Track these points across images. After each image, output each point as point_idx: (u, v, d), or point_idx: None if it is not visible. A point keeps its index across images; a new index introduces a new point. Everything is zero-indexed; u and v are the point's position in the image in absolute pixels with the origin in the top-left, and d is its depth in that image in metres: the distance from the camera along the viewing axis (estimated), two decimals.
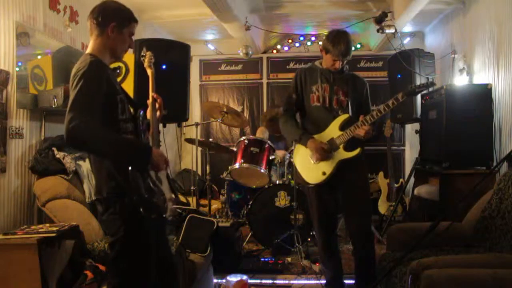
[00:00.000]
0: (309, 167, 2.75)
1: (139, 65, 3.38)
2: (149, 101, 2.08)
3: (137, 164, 1.80)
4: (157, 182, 1.92)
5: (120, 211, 1.82)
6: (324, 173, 2.69)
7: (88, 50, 1.90)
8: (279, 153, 4.44)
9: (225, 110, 4.46)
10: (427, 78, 4.57)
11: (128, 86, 3.49)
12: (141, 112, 1.99)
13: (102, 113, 1.74)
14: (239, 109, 6.39)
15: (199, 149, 5.52)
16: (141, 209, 1.79)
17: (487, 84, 3.70)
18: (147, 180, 1.86)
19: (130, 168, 1.75)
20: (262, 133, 5.11)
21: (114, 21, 1.87)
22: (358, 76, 2.87)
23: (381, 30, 4.68)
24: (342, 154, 2.66)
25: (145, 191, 1.83)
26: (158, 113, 2.10)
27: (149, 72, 2.15)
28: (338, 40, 2.63)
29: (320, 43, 2.79)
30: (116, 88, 1.87)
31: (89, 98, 1.70)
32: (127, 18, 1.92)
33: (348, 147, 2.67)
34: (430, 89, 3.78)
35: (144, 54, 2.17)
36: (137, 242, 1.85)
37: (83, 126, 1.64)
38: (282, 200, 4.16)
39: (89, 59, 1.79)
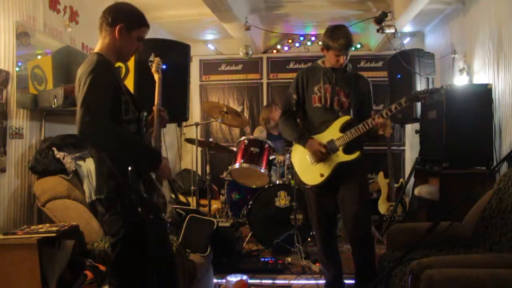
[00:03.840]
0: (307, 168, 2.74)
1: (139, 66, 3.37)
2: (155, 107, 2.09)
3: (147, 168, 1.86)
4: (157, 183, 1.94)
5: (121, 211, 1.84)
6: (322, 175, 2.67)
7: (96, 49, 1.94)
8: (280, 158, 4.43)
9: (225, 110, 4.46)
10: (427, 79, 4.58)
11: (128, 86, 3.48)
12: (145, 114, 2.01)
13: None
14: (239, 109, 6.39)
15: (199, 149, 5.52)
16: (139, 209, 1.80)
17: (487, 84, 3.70)
18: (147, 181, 1.87)
19: (130, 169, 1.76)
20: (259, 132, 5.11)
21: (123, 22, 1.89)
22: (362, 76, 2.84)
23: (381, 30, 4.68)
24: (341, 156, 2.65)
25: (144, 191, 1.84)
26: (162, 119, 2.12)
27: (156, 77, 2.17)
28: (337, 34, 2.61)
29: (320, 43, 2.78)
30: (121, 89, 1.90)
31: (99, 93, 1.74)
32: (137, 21, 1.95)
33: (348, 149, 2.65)
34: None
35: (152, 60, 2.20)
36: (136, 243, 1.86)
37: (97, 121, 1.68)
38: (282, 200, 4.16)
39: (95, 58, 1.83)
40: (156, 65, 2.18)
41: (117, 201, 1.84)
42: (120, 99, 1.86)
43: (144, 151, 1.88)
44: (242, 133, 6.35)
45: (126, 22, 1.90)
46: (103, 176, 1.87)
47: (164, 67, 3.45)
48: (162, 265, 2.02)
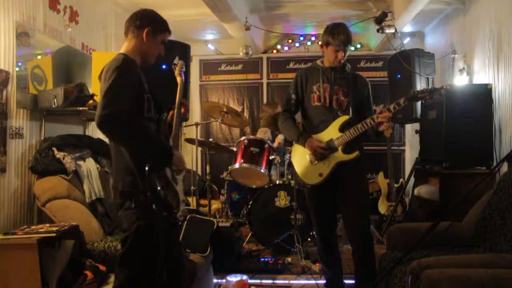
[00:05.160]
0: (307, 167, 2.74)
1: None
2: (175, 107, 2.16)
3: (158, 163, 1.89)
4: (172, 182, 1.97)
5: (135, 207, 1.88)
6: (320, 175, 2.68)
7: (122, 51, 2.02)
8: (279, 138, 4.45)
9: (225, 110, 4.46)
10: (427, 79, 4.58)
11: None
12: (164, 115, 2.08)
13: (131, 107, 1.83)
14: (239, 109, 6.39)
15: (199, 149, 5.52)
16: (154, 206, 1.84)
17: (487, 84, 3.70)
18: (163, 179, 1.91)
19: (147, 166, 1.79)
20: (263, 133, 5.11)
21: (150, 26, 2.01)
22: (360, 75, 2.85)
23: (381, 30, 4.68)
24: (341, 156, 2.65)
25: (161, 189, 1.87)
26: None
27: (178, 80, 2.24)
28: (337, 30, 2.63)
29: (320, 43, 2.78)
30: (144, 87, 1.96)
31: (121, 89, 1.80)
32: (162, 26, 2.07)
33: (347, 149, 2.65)
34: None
35: (176, 63, 2.28)
36: (147, 240, 1.89)
37: (116, 113, 1.73)
38: (282, 200, 4.16)
39: (121, 57, 1.91)
40: (179, 68, 2.26)
41: (132, 197, 1.88)
42: (143, 97, 1.93)
43: (155, 145, 1.90)
44: (242, 133, 6.35)
45: (153, 26, 2.02)
46: (120, 170, 1.91)
47: (164, 67, 3.49)
48: (170, 264, 2.04)
